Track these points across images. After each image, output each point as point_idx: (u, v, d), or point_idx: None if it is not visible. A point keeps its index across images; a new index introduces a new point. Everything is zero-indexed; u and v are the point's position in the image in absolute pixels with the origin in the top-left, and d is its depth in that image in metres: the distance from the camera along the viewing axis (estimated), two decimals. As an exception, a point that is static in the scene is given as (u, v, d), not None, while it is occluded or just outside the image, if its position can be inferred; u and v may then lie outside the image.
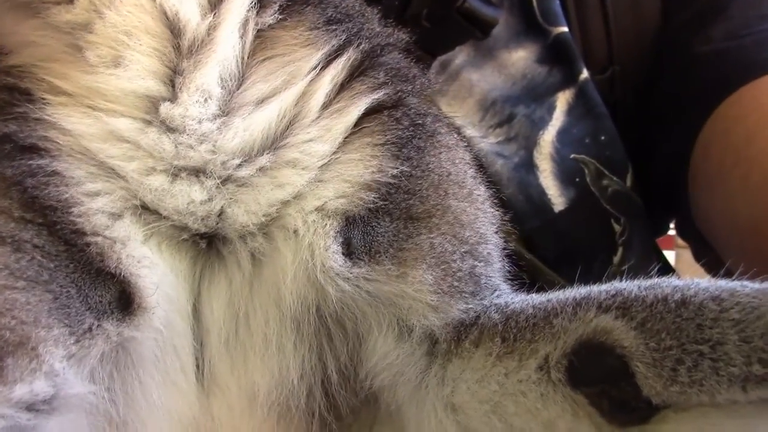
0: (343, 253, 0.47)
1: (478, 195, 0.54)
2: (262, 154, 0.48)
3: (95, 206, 0.46)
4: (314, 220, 0.47)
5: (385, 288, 0.47)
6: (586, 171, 0.91)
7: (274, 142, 0.48)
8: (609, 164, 0.93)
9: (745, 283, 0.42)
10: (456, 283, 0.48)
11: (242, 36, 0.50)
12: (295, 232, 0.47)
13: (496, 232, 0.54)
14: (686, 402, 0.37)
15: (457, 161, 0.54)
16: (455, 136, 0.56)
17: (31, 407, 0.42)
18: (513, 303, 0.47)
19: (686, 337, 0.39)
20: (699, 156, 0.90)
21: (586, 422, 0.41)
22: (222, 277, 0.48)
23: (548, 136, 0.90)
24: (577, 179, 0.92)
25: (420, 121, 0.52)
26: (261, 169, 0.47)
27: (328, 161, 0.48)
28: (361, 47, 0.52)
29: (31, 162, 0.46)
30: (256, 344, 0.48)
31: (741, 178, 0.80)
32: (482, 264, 0.51)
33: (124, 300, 0.45)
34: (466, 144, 0.57)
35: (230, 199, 0.47)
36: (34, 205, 0.46)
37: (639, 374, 0.40)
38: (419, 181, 0.49)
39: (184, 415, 0.47)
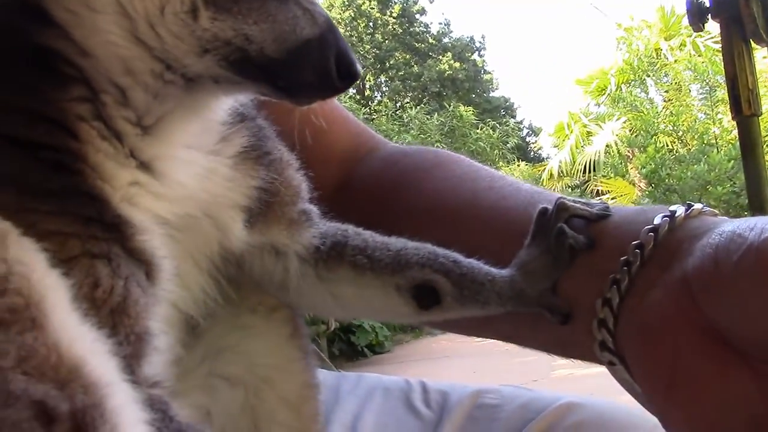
0: (243, 227, 0.83)
1: (294, 163, 0.91)
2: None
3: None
4: (230, 212, 0.82)
5: (260, 239, 0.86)
6: None
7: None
8: None
9: (502, 272, 0.85)
10: (298, 224, 0.88)
11: None
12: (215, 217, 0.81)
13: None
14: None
15: (282, 151, 0.89)
16: (276, 138, 0.89)
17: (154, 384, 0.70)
18: (372, 247, 0.89)
19: (474, 292, 0.84)
20: None
21: (412, 310, 0.87)
22: (175, 247, 0.78)
23: None
24: None
25: (267, 149, 0.85)
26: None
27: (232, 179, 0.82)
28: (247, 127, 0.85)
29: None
30: (182, 280, 0.80)
31: None
32: (307, 203, 0.90)
33: (150, 275, 0.72)
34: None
35: None
36: (111, 231, 0.70)
37: (445, 300, 0.85)
38: (273, 176, 0.85)
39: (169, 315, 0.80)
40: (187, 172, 0.77)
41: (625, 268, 0.75)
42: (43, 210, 0.66)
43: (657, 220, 0.77)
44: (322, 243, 0.89)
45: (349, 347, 12.62)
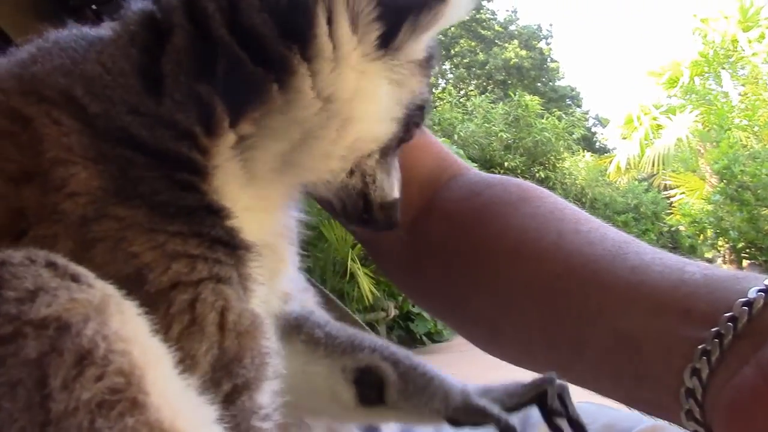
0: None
1: None
2: None
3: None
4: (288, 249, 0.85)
5: None
6: None
7: None
8: None
9: (467, 388, 0.85)
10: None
11: None
12: None
13: None
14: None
15: None
16: None
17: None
18: (329, 326, 0.89)
19: (420, 387, 0.85)
20: None
21: (353, 402, 0.86)
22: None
23: None
24: None
25: None
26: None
27: None
28: None
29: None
30: None
31: None
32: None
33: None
34: None
35: None
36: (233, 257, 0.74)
37: (389, 393, 0.85)
38: None
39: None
40: (273, 214, 0.83)
41: (716, 340, 0.74)
42: (172, 231, 0.67)
43: (752, 294, 0.75)
44: (288, 315, 0.91)
45: (407, 335, 12.69)
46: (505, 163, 17.40)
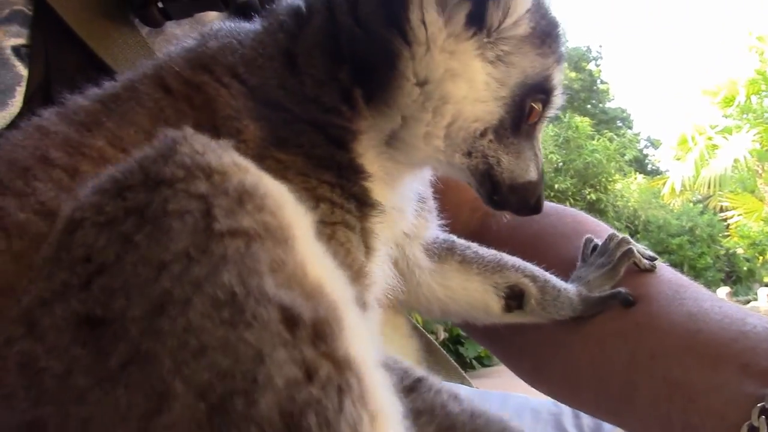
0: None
1: None
2: None
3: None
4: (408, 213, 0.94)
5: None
6: None
7: None
8: None
9: (580, 289, 0.96)
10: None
11: None
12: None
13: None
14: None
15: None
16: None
17: None
18: (474, 246, 1.00)
19: (553, 297, 0.95)
20: None
21: (499, 311, 0.99)
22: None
23: None
24: None
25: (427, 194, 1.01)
26: None
27: None
28: None
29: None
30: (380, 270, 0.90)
31: None
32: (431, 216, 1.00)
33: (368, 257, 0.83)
34: None
35: None
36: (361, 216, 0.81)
37: (529, 303, 0.96)
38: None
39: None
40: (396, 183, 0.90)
41: None
42: (322, 179, 0.78)
43: None
44: (435, 240, 1.00)
45: (457, 358, 12.55)
46: (556, 185, 17.18)
